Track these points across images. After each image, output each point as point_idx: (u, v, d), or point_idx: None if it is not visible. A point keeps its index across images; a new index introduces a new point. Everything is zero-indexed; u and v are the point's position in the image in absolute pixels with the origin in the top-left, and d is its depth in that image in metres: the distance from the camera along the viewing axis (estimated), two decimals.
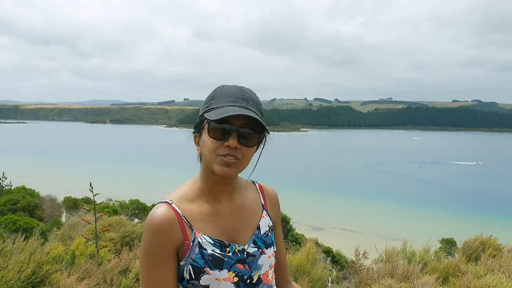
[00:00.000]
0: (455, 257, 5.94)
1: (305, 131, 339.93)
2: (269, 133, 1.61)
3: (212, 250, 1.49)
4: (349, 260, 24.56)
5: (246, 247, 1.59)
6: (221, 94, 1.57)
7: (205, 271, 1.47)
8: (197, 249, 1.47)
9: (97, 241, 4.56)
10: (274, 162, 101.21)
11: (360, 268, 6.32)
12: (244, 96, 1.56)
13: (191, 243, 1.47)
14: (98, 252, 4.67)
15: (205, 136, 1.54)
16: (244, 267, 1.56)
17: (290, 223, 28.60)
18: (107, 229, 5.25)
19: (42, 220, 20.20)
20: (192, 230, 1.49)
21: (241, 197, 1.69)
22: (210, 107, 1.55)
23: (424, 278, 4.35)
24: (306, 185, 64.37)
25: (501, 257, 5.50)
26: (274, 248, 1.71)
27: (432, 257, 6.37)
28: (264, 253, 1.64)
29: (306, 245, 5.94)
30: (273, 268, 1.71)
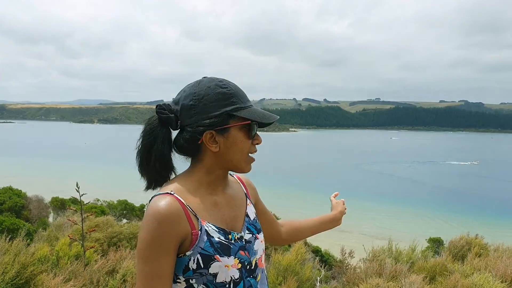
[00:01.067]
0: (442, 256, 5.98)
1: (294, 131, 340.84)
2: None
3: (218, 238, 1.50)
4: (338, 259, 24.77)
5: (243, 234, 1.61)
6: (237, 92, 1.57)
7: (215, 259, 1.45)
8: (205, 237, 1.46)
9: (83, 241, 4.51)
10: (264, 162, 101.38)
11: (347, 267, 6.33)
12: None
13: (199, 231, 1.45)
14: (84, 253, 4.62)
15: (235, 135, 1.53)
16: (245, 253, 1.58)
17: None
18: (94, 230, 5.19)
19: (29, 221, 20.00)
20: (198, 219, 1.47)
21: (231, 188, 1.70)
22: (236, 106, 1.53)
23: (412, 277, 4.38)
24: (295, 185, 64.46)
25: (487, 255, 5.55)
26: (262, 233, 1.75)
27: (420, 255, 6.41)
28: (258, 238, 1.67)
29: (295, 245, 5.94)
30: (264, 252, 1.72)
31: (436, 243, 26.69)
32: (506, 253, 4.95)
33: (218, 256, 1.46)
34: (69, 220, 4.50)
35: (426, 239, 26.69)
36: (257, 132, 1.62)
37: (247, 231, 1.64)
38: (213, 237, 1.48)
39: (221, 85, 1.54)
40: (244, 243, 1.59)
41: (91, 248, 4.99)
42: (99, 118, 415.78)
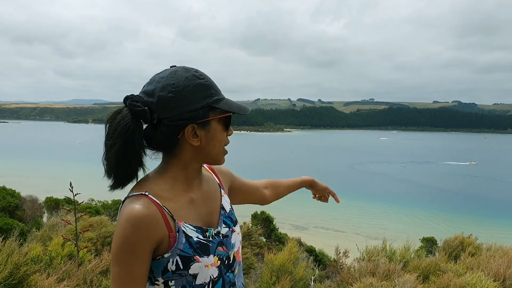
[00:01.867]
0: (436, 255, 6.01)
1: (289, 131, 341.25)
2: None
3: (197, 237, 1.45)
4: (332, 259, 24.83)
5: (220, 229, 1.57)
6: (213, 83, 1.51)
7: (195, 260, 1.41)
8: (183, 239, 1.40)
9: (77, 241, 4.50)
10: (258, 161, 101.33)
11: (341, 267, 6.35)
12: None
13: (177, 233, 1.39)
14: (78, 252, 4.60)
15: (216, 127, 1.50)
16: (223, 248, 1.54)
17: (274, 222, 28.74)
18: (87, 229, 5.17)
19: (23, 221, 19.91)
20: (174, 220, 1.40)
21: (205, 181, 1.64)
22: (215, 98, 1.48)
23: (405, 276, 4.39)
24: None
25: (480, 255, 5.59)
26: (238, 224, 1.71)
27: (413, 255, 6.43)
28: (234, 231, 1.64)
29: (288, 244, 5.95)
30: (241, 245, 1.69)
31: (429, 243, 26.80)
32: (499, 252, 4.98)
33: (197, 256, 1.43)
34: (62, 220, 4.49)
35: (419, 239, 26.84)
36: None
37: (223, 225, 1.61)
38: (191, 237, 1.43)
39: (198, 76, 1.48)
40: (221, 238, 1.56)
41: (85, 248, 4.97)
42: (94, 118, 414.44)
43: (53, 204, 30.03)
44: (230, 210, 1.70)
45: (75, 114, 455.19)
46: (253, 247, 6.63)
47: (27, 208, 24.07)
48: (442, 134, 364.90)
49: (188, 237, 1.42)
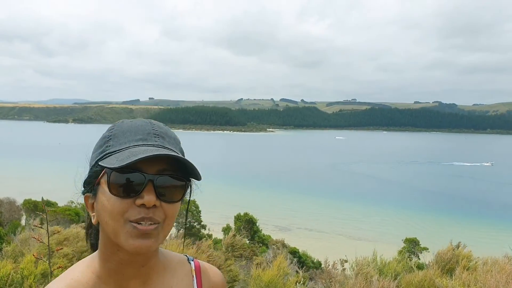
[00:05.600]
0: (429, 269, 5.82)
1: (272, 131, 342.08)
2: (199, 179, 1.11)
3: None
4: (315, 260, 24.77)
5: None
6: (121, 132, 1.08)
7: None
8: None
9: (50, 260, 4.13)
10: (241, 162, 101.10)
11: (331, 280, 6.11)
12: (157, 131, 1.11)
13: None
14: (51, 272, 4.24)
15: (103, 194, 1.03)
16: None
17: (257, 224, 28.55)
18: (61, 248, 4.84)
19: (0, 224, 19.39)
20: None
21: (163, 284, 1.17)
22: (107, 152, 1.06)
23: None
24: (273, 186, 64.54)
25: (475, 269, 5.42)
26: None
27: (405, 267, 6.23)
28: None
29: (277, 258, 5.68)
30: None
31: (412, 244, 26.92)
32: (496, 267, 4.81)
33: None
34: (34, 238, 4.14)
35: (402, 240, 26.96)
36: (147, 188, 1.02)
37: None
38: None
39: (109, 127, 1.13)
40: None
41: (59, 268, 4.63)
42: (74, 118, 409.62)
43: (32, 207, 29.41)
44: None
45: (55, 114, 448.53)
46: (237, 258, 6.35)
47: (5, 210, 23.54)
48: (422, 134, 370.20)
49: None
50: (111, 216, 1.01)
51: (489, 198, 59.69)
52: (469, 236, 35.91)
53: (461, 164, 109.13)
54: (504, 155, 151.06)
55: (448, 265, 5.84)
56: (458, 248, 7.02)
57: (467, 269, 5.31)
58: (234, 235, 7.18)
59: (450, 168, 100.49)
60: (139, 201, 1.00)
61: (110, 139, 1.07)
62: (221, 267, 5.26)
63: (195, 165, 1.06)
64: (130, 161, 0.97)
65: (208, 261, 5.12)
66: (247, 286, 5.57)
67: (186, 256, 1.28)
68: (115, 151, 1.04)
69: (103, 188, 1.03)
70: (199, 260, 1.29)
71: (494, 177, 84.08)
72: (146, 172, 1.01)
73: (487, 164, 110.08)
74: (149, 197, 1.00)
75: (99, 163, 1.04)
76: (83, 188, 1.10)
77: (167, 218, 1.05)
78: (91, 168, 1.08)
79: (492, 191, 66.36)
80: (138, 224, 1.00)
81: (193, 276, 1.24)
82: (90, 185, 1.08)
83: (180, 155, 1.05)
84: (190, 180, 1.11)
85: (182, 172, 1.07)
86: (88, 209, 1.10)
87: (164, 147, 1.06)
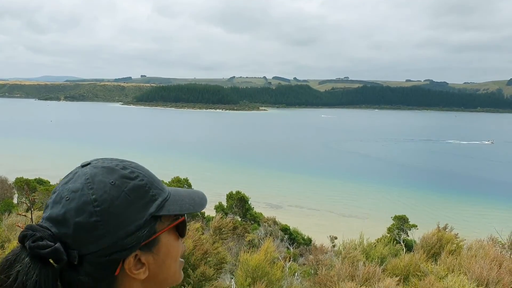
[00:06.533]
0: (415, 254, 5.88)
1: (264, 109, 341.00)
2: None
3: None
4: (306, 237, 25.04)
5: None
6: (150, 176, 1.03)
7: None
8: None
9: None
10: (234, 140, 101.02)
11: (318, 263, 6.16)
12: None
13: None
14: None
15: (167, 242, 1.02)
16: None
17: (249, 202, 28.70)
18: None
19: None
20: None
21: None
22: (159, 200, 1.00)
23: (386, 281, 4.21)
24: (265, 164, 64.71)
25: (459, 253, 5.47)
26: None
27: (386, 248, 6.28)
28: None
29: (264, 243, 5.69)
30: None
31: (401, 221, 27.17)
32: (480, 252, 4.85)
33: None
34: (18, 226, 4.11)
35: (391, 217, 27.23)
36: None
37: None
38: None
39: (129, 176, 0.99)
40: None
41: None
42: (66, 95, 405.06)
43: (24, 185, 29.33)
44: None
45: (46, 91, 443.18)
46: (224, 241, 6.36)
47: None
48: (414, 112, 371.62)
49: None
50: (176, 259, 1.06)
51: (487, 176, 60.25)
52: (461, 214, 36.45)
53: (457, 143, 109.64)
54: (502, 133, 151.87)
55: (433, 249, 5.90)
56: (445, 230, 7.08)
57: (451, 254, 5.37)
58: (222, 218, 7.18)
59: (447, 147, 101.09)
60: (183, 238, 1.11)
61: (150, 186, 1.00)
62: (208, 250, 5.26)
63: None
64: (203, 207, 1.08)
65: (195, 246, 5.11)
66: (235, 268, 5.58)
67: None
68: (166, 198, 1.02)
69: (168, 236, 1.02)
70: None
71: (497, 156, 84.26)
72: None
73: (487, 142, 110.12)
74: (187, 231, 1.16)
75: (162, 213, 0.99)
76: (119, 253, 0.94)
77: None
78: (145, 224, 0.97)
79: (493, 170, 66.99)
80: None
81: None
82: (144, 242, 0.97)
83: None
84: None
85: None
86: (130, 271, 0.96)
87: None
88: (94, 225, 0.91)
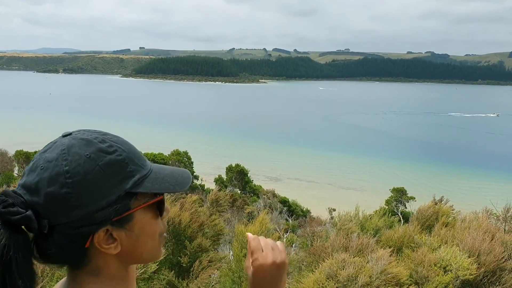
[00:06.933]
0: (409, 225, 5.94)
1: (264, 82, 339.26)
2: None
3: None
4: (305, 209, 25.28)
5: None
6: (130, 152, 1.01)
7: None
8: None
9: None
10: (232, 114, 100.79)
11: (314, 235, 6.24)
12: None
13: None
14: None
15: (143, 220, 1.00)
16: None
17: (248, 175, 28.88)
18: None
19: None
20: None
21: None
22: (137, 177, 0.99)
23: (379, 252, 4.27)
24: (264, 137, 64.72)
25: (454, 225, 5.53)
26: None
27: (386, 223, 6.35)
28: None
29: (260, 215, 5.74)
30: None
31: (399, 193, 27.36)
32: (473, 224, 4.91)
33: None
34: None
35: (390, 189, 27.40)
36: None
37: None
38: None
39: (106, 149, 0.97)
40: None
41: None
42: (64, 68, 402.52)
43: (24, 158, 29.42)
44: None
45: (44, 64, 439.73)
46: (220, 213, 6.43)
47: None
48: (416, 85, 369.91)
49: None
50: (153, 237, 1.05)
51: (489, 149, 60.25)
52: (459, 187, 36.66)
53: (459, 115, 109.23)
54: (507, 105, 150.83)
55: (428, 221, 5.96)
56: (440, 202, 7.15)
57: (446, 226, 5.44)
58: (219, 190, 7.24)
59: (450, 119, 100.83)
60: (165, 215, 1.08)
61: (128, 161, 0.98)
62: (204, 223, 5.32)
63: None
64: (185, 186, 1.04)
65: (192, 218, 5.15)
66: (232, 240, 5.64)
67: None
68: (146, 174, 1.01)
69: (145, 214, 1.01)
70: None
71: (502, 129, 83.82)
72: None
73: (493, 115, 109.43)
74: (168, 209, 1.10)
75: (139, 190, 0.98)
76: (89, 227, 0.94)
77: None
78: (119, 199, 0.95)
79: (495, 143, 66.97)
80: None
81: None
82: (117, 217, 0.96)
83: None
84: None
85: None
86: (99, 245, 0.96)
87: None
88: (64, 196, 0.90)
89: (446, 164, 48.44)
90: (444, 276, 4.03)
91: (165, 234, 1.10)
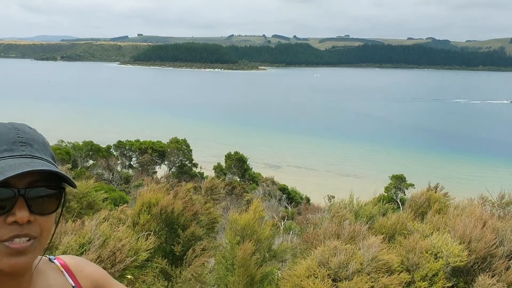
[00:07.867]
0: (403, 213, 5.96)
1: (264, 69, 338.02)
2: (74, 186, 1.02)
3: None
4: (304, 196, 25.32)
5: None
6: None
7: None
8: None
9: None
10: (231, 101, 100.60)
11: (308, 222, 6.26)
12: (23, 138, 0.99)
13: None
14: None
15: None
16: None
17: (247, 162, 28.90)
18: None
19: None
20: None
21: (42, 286, 1.09)
22: None
23: (371, 239, 4.29)
24: (263, 125, 64.69)
25: (446, 212, 5.55)
26: None
27: (380, 210, 6.37)
28: None
29: (253, 202, 5.76)
30: None
31: (398, 180, 27.35)
32: (466, 211, 4.93)
33: None
34: None
35: (389, 176, 27.42)
36: (18, 203, 0.93)
37: None
38: None
39: None
40: None
41: None
42: (62, 55, 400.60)
43: None
44: None
45: (42, 51, 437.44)
46: (215, 201, 6.46)
47: None
48: (416, 71, 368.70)
49: None
50: None
51: (493, 137, 60.02)
52: (458, 174, 36.67)
53: (466, 102, 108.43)
54: None
55: (421, 208, 5.99)
56: (435, 189, 7.15)
57: (438, 213, 5.46)
58: (213, 178, 7.26)
59: (458, 106, 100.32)
60: (10, 219, 0.91)
61: None
62: (199, 211, 5.34)
63: (67, 174, 0.97)
64: (8, 173, 0.88)
65: (185, 207, 5.16)
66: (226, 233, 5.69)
67: (47, 256, 1.19)
68: None
69: None
70: (61, 257, 1.22)
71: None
72: (15, 187, 0.92)
73: (506, 101, 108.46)
74: (21, 214, 0.92)
75: None
76: None
77: (44, 231, 0.97)
78: None
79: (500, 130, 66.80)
80: (11, 242, 0.92)
81: (62, 271, 1.18)
82: None
83: (52, 164, 0.98)
84: (63, 188, 1.02)
85: (54, 180, 0.99)
86: None
87: (34, 157, 0.96)
88: None
89: (448, 151, 48.45)
90: (434, 263, 4.06)
91: (15, 242, 0.93)
